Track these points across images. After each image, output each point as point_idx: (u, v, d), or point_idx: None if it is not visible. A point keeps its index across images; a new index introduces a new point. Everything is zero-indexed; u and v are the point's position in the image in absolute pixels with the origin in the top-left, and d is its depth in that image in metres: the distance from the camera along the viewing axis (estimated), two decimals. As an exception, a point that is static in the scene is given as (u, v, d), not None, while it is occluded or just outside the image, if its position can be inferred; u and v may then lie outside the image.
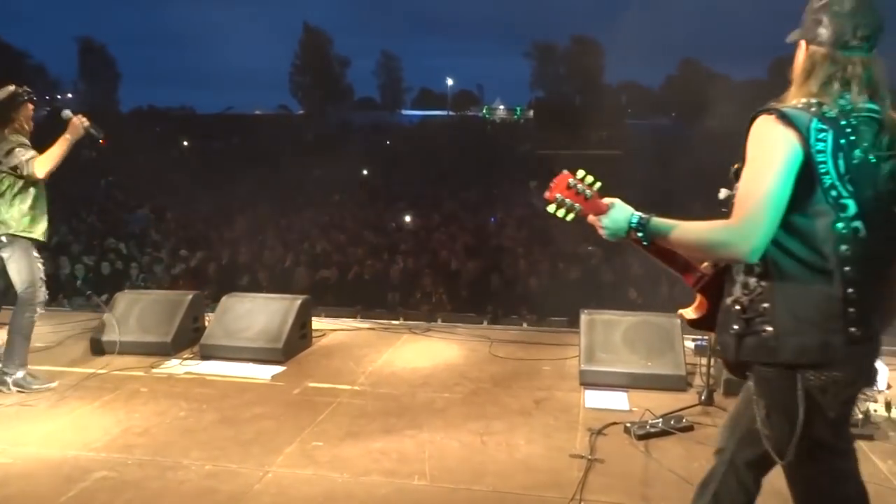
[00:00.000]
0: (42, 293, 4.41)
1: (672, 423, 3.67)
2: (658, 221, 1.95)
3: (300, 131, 39.75)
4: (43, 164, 4.29)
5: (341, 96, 59.50)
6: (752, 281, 1.85)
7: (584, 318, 4.59)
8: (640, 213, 1.99)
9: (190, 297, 5.33)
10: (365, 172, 25.63)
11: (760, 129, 1.80)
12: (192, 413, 3.99)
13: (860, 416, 3.60)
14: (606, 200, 2.06)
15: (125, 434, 3.71)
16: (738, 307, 1.86)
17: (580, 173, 2.12)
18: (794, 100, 1.82)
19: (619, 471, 3.25)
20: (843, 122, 1.77)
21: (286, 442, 3.58)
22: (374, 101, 64.41)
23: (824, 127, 1.75)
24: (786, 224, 1.77)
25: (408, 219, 13.97)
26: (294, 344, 4.98)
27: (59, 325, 5.76)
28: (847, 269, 1.76)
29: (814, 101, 1.79)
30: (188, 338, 5.14)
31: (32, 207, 4.33)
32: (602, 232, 2.08)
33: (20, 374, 4.31)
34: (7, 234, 4.25)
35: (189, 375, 4.63)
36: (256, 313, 5.05)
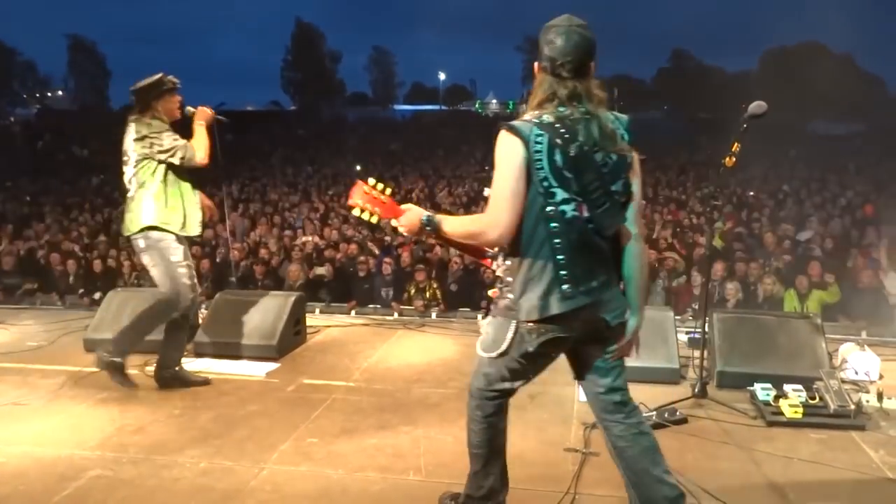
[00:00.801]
0: (186, 298, 4.22)
1: (666, 415, 3.69)
2: (440, 218, 2.47)
3: (292, 127, 39.61)
4: (200, 150, 4.17)
5: (333, 92, 59.25)
6: (505, 259, 2.35)
7: (577, 312, 4.59)
8: (428, 213, 2.50)
9: (183, 294, 5.30)
10: (358, 168, 25.58)
11: (499, 140, 2.24)
12: (187, 411, 3.99)
13: (852, 406, 3.62)
14: (403, 207, 2.58)
15: (119, 432, 3.70)
16: (501, 282, 2.37)
17: (371, 181, 2.65)
18: (527, 114, 2.28)
19: (614, 464, 3.25)
20: (559, 126, 2.21)
21: (281, 439, 3.58)
22: (367, 97, 64.19)
23: (541, 132, 2.20)
24: (528, 212, 2.24)
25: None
26: (288, 341, 4.97)
27: (52, 324, 5.74)
28: (556, 241, 2.23)
29: (536, 112, 2.26)
30: (182, 335, 5.12)
31: (178, 200, 4.17)
32: (402, 230, 2.58)
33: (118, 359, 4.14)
34: (146, 231, 4.09)
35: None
36: (250, 311, 5.05)
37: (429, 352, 5.01)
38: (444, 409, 3.95)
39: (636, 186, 2.32)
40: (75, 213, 15.46)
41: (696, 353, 4.21)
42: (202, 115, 4.31)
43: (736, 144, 3.78)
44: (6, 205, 17.48)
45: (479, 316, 6.62)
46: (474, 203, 14.57)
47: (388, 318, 6.16)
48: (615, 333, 2.41)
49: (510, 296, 2.31)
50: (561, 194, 2.21)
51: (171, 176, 4.13)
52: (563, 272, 2.24)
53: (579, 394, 4.11)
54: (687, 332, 4.88)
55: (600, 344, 2.42)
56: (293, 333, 5.06)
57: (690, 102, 49.14)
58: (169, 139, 4.09)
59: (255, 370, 4.60)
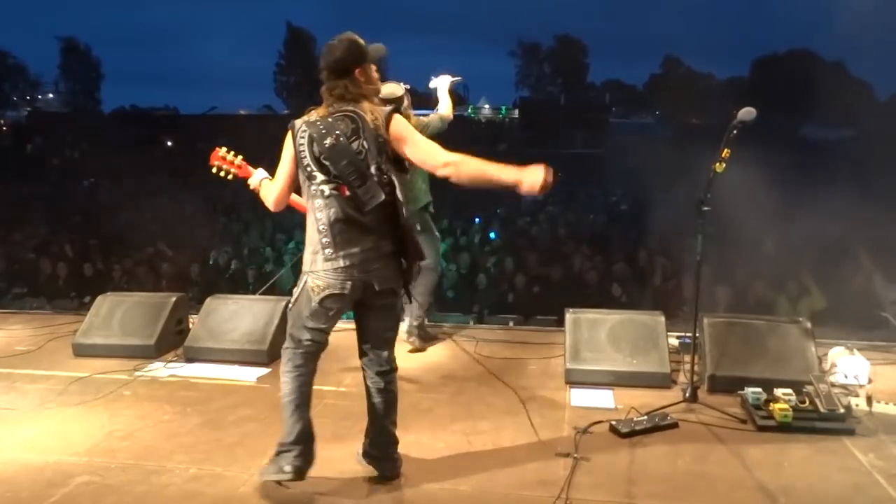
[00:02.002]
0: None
1: (657, 420, 3.69)
2: (265, 183, 3.25)
3: (285, 131, 39.51)
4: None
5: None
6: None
7: (568, 316, 4.61)
8: (265, 176, 3.28)
9: (174, 298, 5.29)
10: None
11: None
12: (177, 416, 3.96)
13: (841, 410, 3.64)
14: (252, 169, 3.39)
15: (108, 438, 3.67)
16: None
17: (224, 149, 3.44)
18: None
19: (605, 469, 3.26)
20: (319, 123, 2.83)
21: (271, 444, 3.53)
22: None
23: (305, 128, 2.86)
24: (304, 190, 2.92)
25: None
26: (279, 346, 4.88)
27: (40, 328, 5.70)
28: (319, 214, 2.85)
29: (311, 110, 2.90)
30: (172, 340, 5.10)
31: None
32: (251, 187, 3.34)
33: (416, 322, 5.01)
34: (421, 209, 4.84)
35: (173, 378, 4.59)
36: (241, 315, 5.02)
37: (419, 357, 5.00)
38: (436, 415, 3.94)
39: (412, 152, 2.86)
40: (65, 217, 15.36)
41: (687, 358, 4.22)
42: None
43: (726, 150, 3.79)
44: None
45: (471, 321, 6.62)
46: (466, 207, 14.59)
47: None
48: (383, 297, 2.95)
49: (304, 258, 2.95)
50: (321, 177, 2.84)
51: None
52: (325, 239, 2.85)
53: (571, 398, 4.13)
54: (678, 337, 4.89)
55: (373, 304, 2.97)
56: (285, 338, 5.03)
57: (681, 108, 49.39)
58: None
59: (246, 375, 4.58)
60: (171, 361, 4.88)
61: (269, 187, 3.15)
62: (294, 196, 3.17)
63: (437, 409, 4.01)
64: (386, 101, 4.46)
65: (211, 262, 9.63)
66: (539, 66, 59.82)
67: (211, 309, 5.13)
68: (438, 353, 5.09)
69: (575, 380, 4.33)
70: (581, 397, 4.13)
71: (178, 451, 3.51)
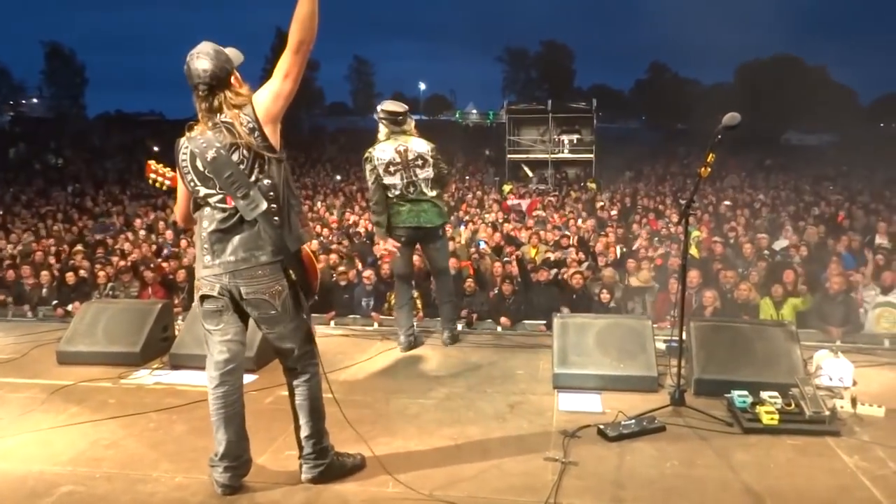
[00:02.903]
0: None
1: (644, 423, 3.70)
2: None
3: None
4: None
5: (313, 101, 59.08)
6: None
7: (556, 321, 4.62)
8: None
9: (159, 305, 5.25)
10: (338, 178, 25.49)
11: None
12: (162, 424, 3.93)
13: (827, 412, 3.66)
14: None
15: (93, 447, 3.63)
16: None
17: (154, 163, 3.40)
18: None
19: (593, 473, 3.27)
20: (199, 137, 2.85)
21: (259, 451, 3.53)
22: (346, 106, 64.07)
23: (186, 144, 2.90)
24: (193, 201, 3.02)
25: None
26: (266, 352, 4.90)
27: (23, 336, 5.64)
28: (204, 224, 2.94)
29: (192, 125, 2.91)
30: (158, 347, 5.06)
31: None
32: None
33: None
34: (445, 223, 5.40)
35: (159, 386, 4.56)
36: (227, 321, 4.98)
37: (408, 362, 4.99)
38: (424, 420, 3.93)
39: (270, 86, 2.82)
40: (49, 223, 15.22)
41: (674, 362, 4.24)
42: None
43: (711, 155, 3.82)
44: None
45: (459, 326, 6.60)
46: (454, 210, 14.60)
47: (367, 328, 6.13)
48: (253, 304, 2.97)
49: None
50: (204, 190, 2.90)
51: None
52: (205, 245, 2.94)
53: (559, 403, 4.13)
54: (665, 341, 4.91)
55: (250, 310, 3.01)
56: (271, 344, 5.01)
57: (667, 114, 49.74)
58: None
59: (233, 382, 4.54)
60: (156, 369, 4.84)
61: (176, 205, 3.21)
62: None
63: (425, 415, 4.00)
64: (386, 116, 5.13)
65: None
66: (526, 71, 60.05)
67: (197, 316, 5.08)
68: (426, 358, 5.09)
69: (563, 384, 4.33)
70: (569, 402, 4.14)
71: (164, 460, 3.47)
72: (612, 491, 3.11)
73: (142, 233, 13.21)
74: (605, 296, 7.66)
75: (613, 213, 14.42)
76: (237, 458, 3.09)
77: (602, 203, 15.97)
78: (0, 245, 12.28)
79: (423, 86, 67.82)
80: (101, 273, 9.04)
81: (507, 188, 21.44)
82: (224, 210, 2.89)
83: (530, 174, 25.93)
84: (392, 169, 5.08)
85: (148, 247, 11.44)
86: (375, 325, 6.37)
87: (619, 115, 56.80)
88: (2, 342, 5.54)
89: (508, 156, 27.23)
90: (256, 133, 2.82)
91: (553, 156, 26.68)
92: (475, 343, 5.38)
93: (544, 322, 6.23)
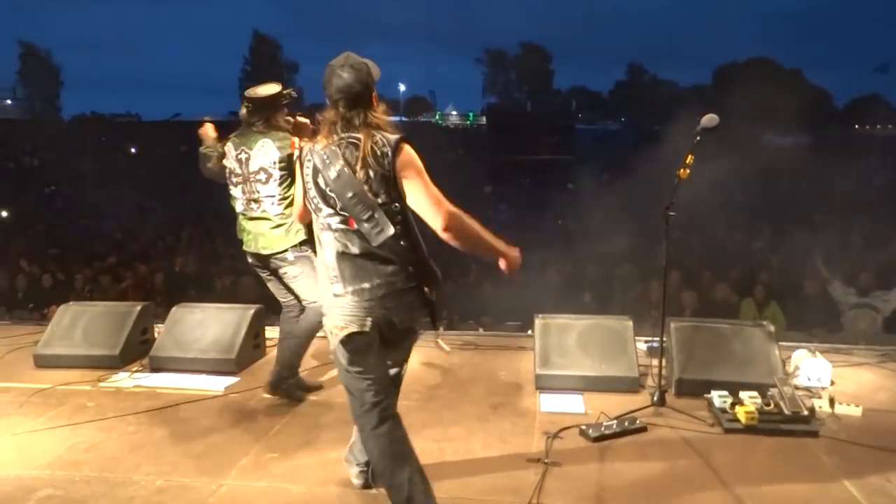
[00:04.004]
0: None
1: (626, 424, 3.73)
2: None
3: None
4: None
5: (293, 102, 58.87)
6: None
7: (538, 322, 4.64)
8: None
9: (138, 308, 5.19)
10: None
11: None
12: (142, 427, 3.89)
13: (805, 412, 3.72)
14: None
15: (71, 451, 3.58)
16: None
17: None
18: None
19: (575, 474, 3.29)
20: (324, 152, 2.61)
21: (240, 454, 3.52)
22: (325, 107, 63.85)
23: (310, 156, 2.65)
24: (313, 222, 2.74)
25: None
26: (247, 354, 4.89)
27: (-1, 340, 5.54)
28: (327, 249, 2.65)
29: (318, 139, 2.67)
30: (137, 350, 5.00)
31: None
32: None
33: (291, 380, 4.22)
34: (299, 245, 3.98)
35: (138, 389, 4.51)
36: (208, 324, 4.95)
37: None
38: (406, 421, 3.85)
39: (414, 192, 2.61)
40: (25, 226, 14.98)
41: (655, 362, 4.27)
42: (306, 131, 3.96)
43: (690, 156, 3.86)
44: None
45: (441, 327, 6.61)
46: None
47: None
48: (402, 336, 2.74)
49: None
50: (326, 210, 2.62)
51: None
52: (332, 273, 2.63)
53: (541, 404, 4.15)
54: (646, 342, 4.95)
55: (394, 339, 2.72)
56: (252, 347, 4.98)
57: (646, 115, 50.20)
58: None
59: (214, 384, 4.51)
60: (136, 372, 4.79)
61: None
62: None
63: (407, 416, 3.93)
64: (246, 100, 4.03)
65: (177, 270, 9.47)
66: (505, 73, 60.35)
67: (177, 318, 5.05)
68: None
69: (545, 385, 4.35)
70: (551, 403, 4.16)
71: (144, 463, 3.44)
72: (594, 491, 3.13)
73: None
74: (586, 297, 7.72)
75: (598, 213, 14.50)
76: None
77: (584, 205, 16.03)
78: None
79: (402, 87, 67.67)
80: (79, 275, 8.92)
81: (487, 189, 21.51)
82: (347, 232, 2.61)
83: (509, 175, 26.05)
84: (234, 180, 4.09)
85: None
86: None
87: (598, 115, 57.27)
88: (-24, 346, 5.44)
89: (490, 157, 27.33)
90: (388, 159, 2.58)
91: (534, 156, 26.82)
92: (457, 344, 5.37)
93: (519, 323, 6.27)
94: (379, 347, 2.66)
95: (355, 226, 2.59)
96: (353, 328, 2.59)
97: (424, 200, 2.60)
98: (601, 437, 3.61)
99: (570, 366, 4.39)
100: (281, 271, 4.07)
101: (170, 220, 14.56)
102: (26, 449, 3.61)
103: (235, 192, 4.07)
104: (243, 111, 4.04)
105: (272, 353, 5.18)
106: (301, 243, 3.99)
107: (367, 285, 2.59)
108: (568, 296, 8.07)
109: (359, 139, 2.60)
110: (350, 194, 2.57)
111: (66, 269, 9.64)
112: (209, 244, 11.89)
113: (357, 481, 3.11)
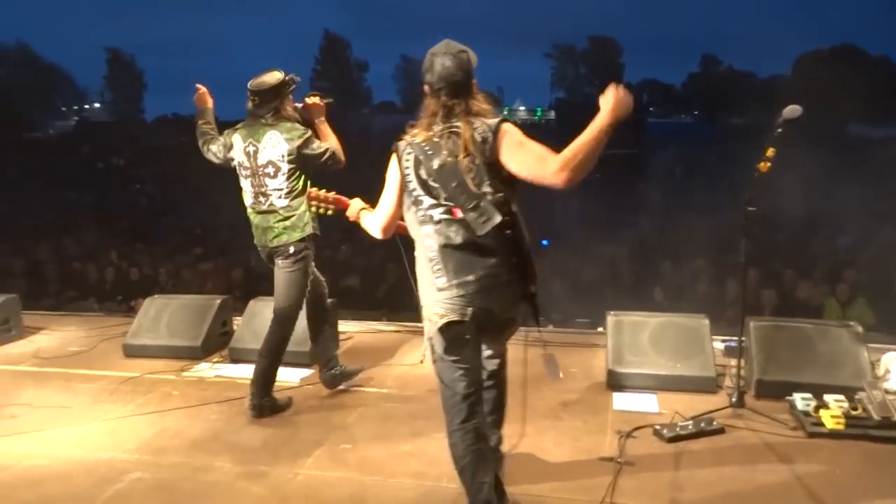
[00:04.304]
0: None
1: (702, 425, 3.63)
2: (363, 213, 3.02)
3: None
4: (340, 151, 4.01)
5: (360, 101, 59.82)
6: None
7: (610, 319, 4.57)
8: (362, 206, 3.06)
9: (218, 301, 5.39)
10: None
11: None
12: (223, 416, 4.04)
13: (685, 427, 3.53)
14: (349, 200, 3.14)
15: (158, 436, 3.76)
16: None
17: (314, 189, 3.23)
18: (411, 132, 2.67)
19: (649, 474, 3.23)
20: (425, 144, 2.59)
21: (316, 444, 3.61)
22: (394, 105, 64.53)
23: (410, 150, 2.62)
24: (410, 217, 2.68)
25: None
26: (324, 347, 4.99)
27: (92, 330, 5.87)
28: (428, 242, 2.60)
29: (415, 131, 2.65)
30: (217, 341, 5.20)
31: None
32: (350, 218, 3.10)
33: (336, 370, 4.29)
34: (307, 238, 3.96)
35: (219, 379, 4.69)
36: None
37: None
38: (477, 417, 3.93)
39: (522, 161, 2.51)
40: (112, 223, 15.77)
41: (733, 362, 4.14)
42: (319, 111, 3.99)
43: (770, 149, 3.73)
44: (47, 215, 17.91)
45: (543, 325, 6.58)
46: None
47: (418, 325, 6.15)
48: (502, 326, 2.73)
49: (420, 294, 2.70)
50: (428, 201, 2.58)
51: (309, 181, 3.88)
52: (436, 266, 2.58)
53: (613, 402, 4.09)
54: (724, 341, 4.81)
55: (492, 333, 2.73)
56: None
57: (721, 108, 48.58)
58: (318, 142, 3.92)
59: (290, 376, 4.64)
60: (216, 362, 4.98)
61: (370, 217, 2.92)
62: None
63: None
64: (252, 92, 3.90)
65: (253, 264, 9.78)
66: (574, 67, 59.48)
67: (254, 311, 5.21)
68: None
69: (617, 383, 4.28)
70: (624, 401, 4.09)
71: (226, 450, 3.58)
72: (669, 492, 3.07)
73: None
74: (658, 295, 7.55)
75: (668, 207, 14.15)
76: None
77: (655, 200, 15.69)
78: (67, 244, 12.78)
79: (470, 83, 67.70)
80: (163, 270, 9.33)
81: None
82: (452, 223, 2.57)
83: None
84: (243, 173, 4.03)
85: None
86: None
87: (670, 109, 55.77)
88: (73, 335, 5.77)
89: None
90: (489, 145, 2.54)
91: (603, 151, 26.30)
92: (527, 340, 5.34)
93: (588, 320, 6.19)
94: (476, 338, 2.65)
95: (459, 215, 2.54)
96: (454, 317, 2.56)
97: (530, 155, 2.50)
98: (676, 438, 3.53)
99: (643, 364, 4.31)
100: (278, 260, 4.00)
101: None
102: (117, 433, 3.81)
103: (244, 184, 4.03)
104: (250, 104, 3.93)
105: (345, 346, 5.31)
106: (307, 237, 3.95)
107: (471, 277, 2.55)
108: (638, 293, 7.92)
109: (459, 128, 2.56)
110: (454, 184, 2.53)
111: (152, 263, 10.10)
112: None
113: None
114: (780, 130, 3.69)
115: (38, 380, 4.73)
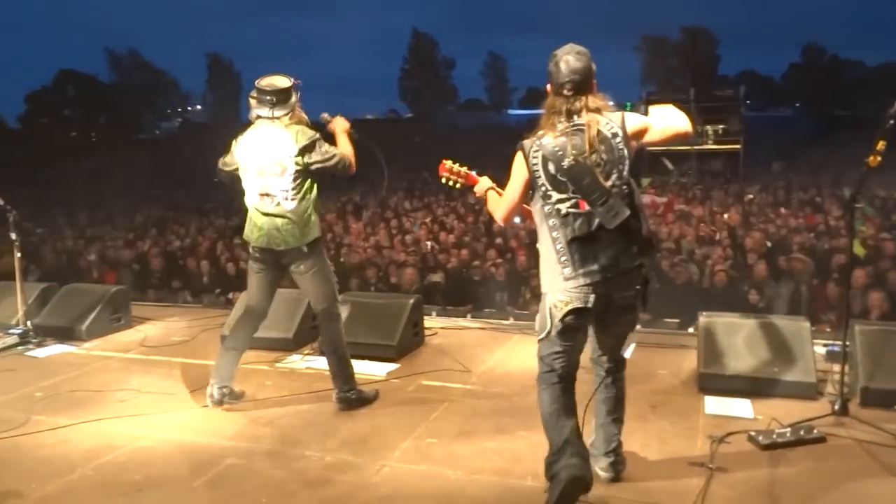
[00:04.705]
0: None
1: (802, 433, 3.46)
2: (490, 193, 3.21)
3: (409, 134, 40.49)
4: (352, 158, 4.04)
5: (447, 98, 60.20)
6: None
7: (702, 320, 4.42)
8: (490, 186, 3.23)
9: (308, 296, 5.56)
10: (474, 173, 25.65)
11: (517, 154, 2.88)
12: (313, 406, 4.17)
13: None
14: (479, 177, 3.34)
15: (252, 424, 3.93)
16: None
17: (450, 161, 3.45)
18: (538, 131, 2.85)
19: (743, 482, 3.10)
20: (551, 142, 2.77)
21: (401, 437, 3.68)
22: (481, 102, 64.54)
23: (537, 148, 2.80)
24: (536, 210, 2.87)
25: (517, 220, 13.91)
26: (407, 342, 5.09)
27: (193, 321, 6.18)
28: (555, 234, 2.80)
29: (540, 132, 2.82)
30: (308, 334, 5.37)
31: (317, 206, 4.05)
32: (477, 195, 3.30)
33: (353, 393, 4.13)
34: (311, 242, 3.95)
35: (310, 370, 4.84)
36: (371, 312, 5.21)
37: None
38: (562, 416, 3.89)
39: (647, 138, 2.86)
40: (212, 219, 16.56)
41: (836, 368, 3.92)
42: (343, 126, 4.12)
43: (881, 142, 3.50)
44: (154, 211, 19.03)
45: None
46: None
47: (503, 322, 6.16)
48: (624, 312, 2.91)
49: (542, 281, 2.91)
50: (556, 196, 2.78)
51: (317, 184, 4.01)
52: (563, 258, 2.78)
53: (705, 406, 3.95)
54: (825, 345, 4.56)
55: (612, 315, 2.91)
56: (412, 335, 5.18)
57: (825, 99, 45.95)
58: (327, 146, 3.95)
59: (376, 370, 4.74)
60: (307, 354, 5.15)
61: (497, 201, 3.11)
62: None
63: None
64: (267, 93, 3.93)
65: (342, 261, 10.04)
66: (665, 59, 57.64)
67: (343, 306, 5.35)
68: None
69: (709, 386, 4.14)
70: (716, 405, 3.95)
71: (315, 440, 3.69)
72: (764, 502, 2.94)
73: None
74: (753, 296, 7.22)
75: (766, 207, 13.55)
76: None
77: (752, 195, 15.05)
78: (171, 239, 13.53)
79: (557, 79, 66.82)
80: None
81: (645, 182, 20.70)
82: (578, 216, 2.75)
83: (671, 167, 24.85)
84: (248, 172, 4.02)
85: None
86: (511, 319, 6.40)
87: (770, 102, 53.25)
88: (176, 325, 6.11)
89: (647, 148, 26.23)
90: (618, 139, 2.76)
91: (697, 147, 25.39)
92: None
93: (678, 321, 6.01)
94: (590, 324, 2.92)
95: (586, 208, 2.74)
96: (577, 304, 2.78)
97: (659, 113, 2.87)
98: (773, 445, 3.38)
99: (737, 367, 4.14)
100: (294, 267, 3.98)
101: (334, 213, 15.43)
102: (215, 419, 4.00)
103: (248, 184, 4.00)
104: (260, 106, 3.98)
105: (431, 342, 5.38)
106: (317, 239, 3.97)
107: (595, 267, 2.75)
108: (730, 293, 7.62)
109: (583, 125, 2.75)
110: (586, 180, 2.71)
111: (248, 258, 10.52)
112: (372, 236, 12.49)
113: (605, 474, 3.09)
114: (892, 122, 3.46)
115: (144, 367, 5.04)
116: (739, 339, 4.26)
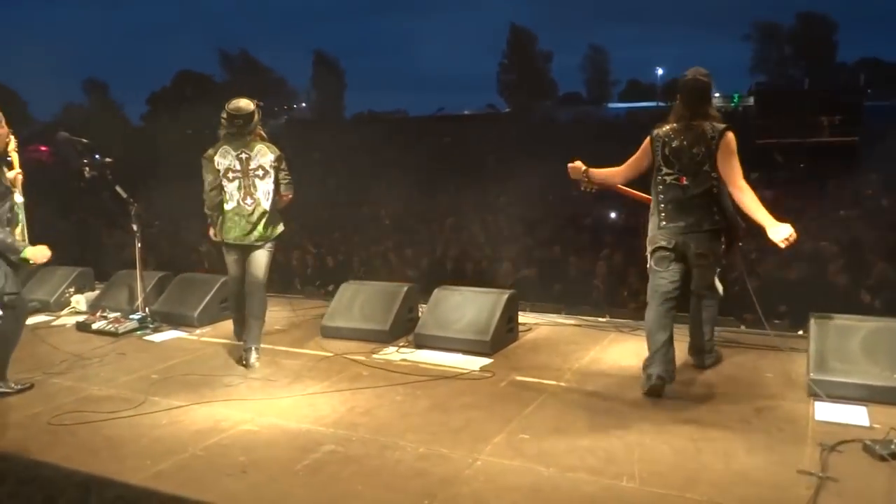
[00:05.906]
0: None
1: (922, 445, 3.20)
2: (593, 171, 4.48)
3: (506, 129, 40.34)
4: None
5: (545, 93, 59.56)
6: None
7: (813, 322, 4.17)
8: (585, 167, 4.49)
9: (405, 288, 5.67)
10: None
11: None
12: (408, 398, 4.25)
13: None
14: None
15: (350, 413, 4.04)
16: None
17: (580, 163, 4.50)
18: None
19: (857, 493, 2.91)
20: (671, 133, 4.04)
21: (494, 432, 3.68)
22: (580, 96, 63.37)
23: (659, 136, 4.07)
24: (652, 180, 4.15)
25: (613, 214, 13.58)
26: (501, 337, 5.09)
27: (295, 311, 6.43)
28: (661, 196, 4.09)
29: (666, 126, 4.09)
30: (404, 327, 5.47)
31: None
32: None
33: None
34: (280, 234, 5.04)
35: (405, 362, 4.93)
36: (466, 306, 5.24)
37: (642, 356, 4.83)
38: (659, 417, 3.78)
39: (724, 166, 3.94)
40: (313, 213, 17.09)
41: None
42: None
43: None
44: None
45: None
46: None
47: (599, 319, 6.04)
48: (699, 258, 4.06)
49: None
50: (665, 170, 4.03)
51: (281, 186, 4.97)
52: (662, 213, 4.07)
53: (815, 412, 3.73)
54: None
55: (692, 260, 4.09)
56: (506, 330, 5.17)
57: (961, 85, 42.06)
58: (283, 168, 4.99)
59: (470, 364, 4.77)
60: (402, 347, 5.24)
61: (613, 170, 4.39)
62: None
63: (661, 412, 3.85)
64: (236, 117, 4.73)
65: (438, 255, 10.17)
66: (778, 48, 54.63)
67: (438, 299, 5.42)
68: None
69: (820, 392, 3.90)
70: (827, 412, 3.72)
71: (409, 431, 3.76)
72: (881, 516, 2.75)
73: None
74: (864, 296, 6.73)
75: (883, 202, 12.60)
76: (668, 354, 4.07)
77: (871, 191, 14.03)
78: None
79: (660, 71, 64.66)
80: (356, 258, 10.00)
81: (753, 176, 19.70)
82: (677, 186, 3.99)
83: (779, 160, 23.52)
84: (231, 175, 4.84)
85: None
86: (607, 316, 6.26)
87: (893, 91, 49.43)
88: (278, 315, 6.36)
89: (756, 140, 24.93)
90: (714, 141, 3.91)
91: (810, 140, 23.92)
92: (718, 340, 5.04)
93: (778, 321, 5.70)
94: (678, 261, 4.06)
95: (685, 182, 3.98)
96: (663, 243, 4.06)
97: (731, 167, 3.92)
98: (892, 456, 3.14)
99: (852, 372, 3.88)
100: (257, 247, 4.91)
101: (432, 208, 15.59)
102: (315, 407, 4.15)
103: (230, 187, 4.82)
104: (229, 126, 4.77)
105: (524, 338, 5.36)
106: (280, 234, 4.99)
107: (681, 223, 4.02)
108: (845, 294, 7.14)
109: (695, 125, 3.97)
110: (686, 160, 3.96)
111: (347, 251, 10.85)
112: (467, 230, 12.56)
113: (696, 363, 4.48)
114: None
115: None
116: (855, 343, 4.00)
